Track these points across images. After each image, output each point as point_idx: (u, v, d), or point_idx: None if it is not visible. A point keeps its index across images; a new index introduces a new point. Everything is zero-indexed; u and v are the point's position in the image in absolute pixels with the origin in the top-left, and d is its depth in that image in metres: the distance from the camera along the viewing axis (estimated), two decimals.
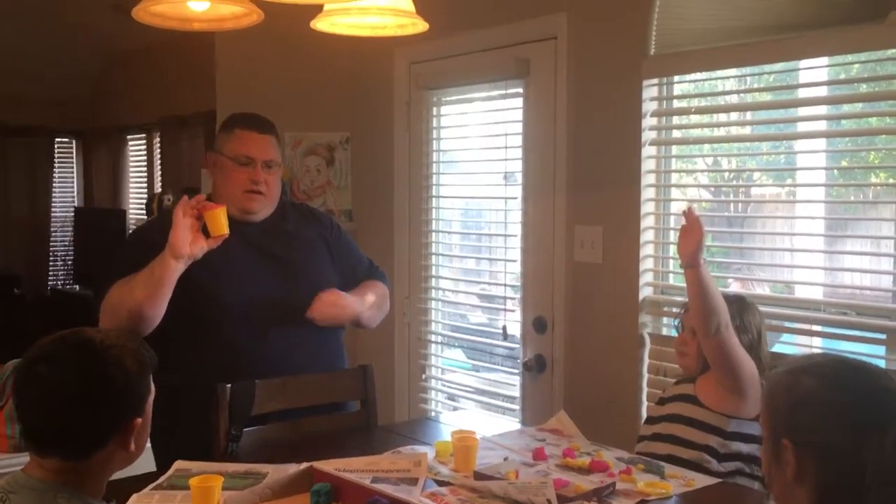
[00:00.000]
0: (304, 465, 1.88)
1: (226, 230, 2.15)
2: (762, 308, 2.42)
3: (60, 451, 1.33)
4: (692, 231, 2.04)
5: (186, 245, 2.12)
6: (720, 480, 1.93)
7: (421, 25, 1.98)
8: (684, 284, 2.62)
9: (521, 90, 3.12)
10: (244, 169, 2.32)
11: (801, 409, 1.23)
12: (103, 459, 1.35)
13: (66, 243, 6.76)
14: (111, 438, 1.34)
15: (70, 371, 1.32)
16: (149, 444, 2.27)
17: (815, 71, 2.50)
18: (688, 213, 2.08)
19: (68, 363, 1.32)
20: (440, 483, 1.90)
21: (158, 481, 1.87)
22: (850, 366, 1.28)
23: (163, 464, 2.09)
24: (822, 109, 2.49)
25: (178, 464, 1.95)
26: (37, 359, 1.34)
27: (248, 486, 1.82)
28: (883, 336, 2.24)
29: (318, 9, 1.93)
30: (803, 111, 2.52)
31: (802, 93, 2.52)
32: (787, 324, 2.49)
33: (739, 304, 2.21)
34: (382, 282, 2.57)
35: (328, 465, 1.88)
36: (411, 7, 1.95)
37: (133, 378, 1.35)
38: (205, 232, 2.15)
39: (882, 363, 2.23)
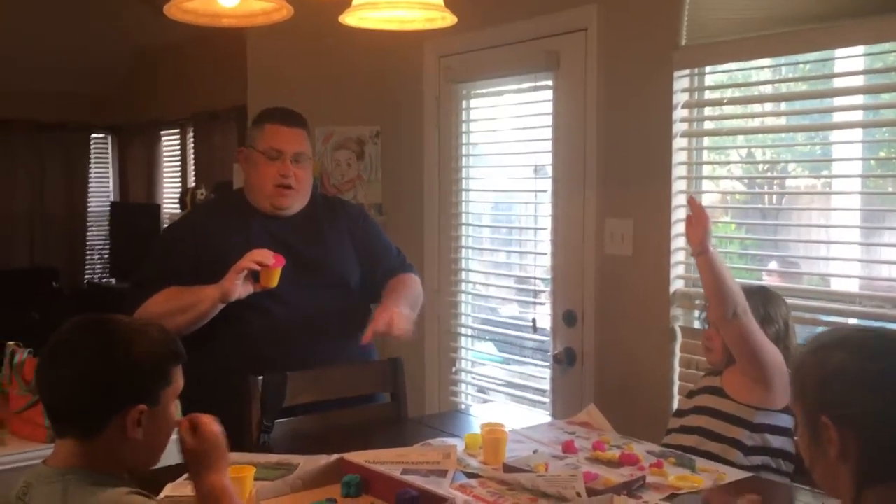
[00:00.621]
0: (334, 457, 1.90)
1: (275, 284, 2.22)
2: (797, 301, 2.41)
3: (71, 428, 1.37)
4: (698, 219, 2.05)
5: (238, 292, 2.18)
6: (752, 475, 1.91)
7: (450, 19, 1.98)
8: None
9: (550, 83, 3.10)
10: (274, 163, 2.34)
11: (836, 384, 1.19)
12: (110, 441, 1.36)
13: (103, 237, 6.86)
14: (112, 420, 1.35)
15: (79, 349, 1.35)
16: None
17: (851, 60, 2.46)
18: (691, 202, 2.11)
19: (79, 342, 1.36)
20: (469, 475, 1.90)
21: None
22: (877, 334, 1.26)
23: None
24: (859, 99, 2.45)
25: None
26: (55, 339, 1.38)
27: (280, 476, 1.84)
28: None
29: (347, 3, 1.93)
30: (839, 101, 2.48)
31: (838, 82, 2.48)
32: (822, 317, 2.46)
33: (763, 296, 2.21)
34: (412, 272, 2.57)
35: (358, 457, 1.90)
36: (440, 0, 1.95)
37: (141, 365, 1.36)
38: (254, 275, 2.21)
39: None
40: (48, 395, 1.39)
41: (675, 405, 2.68)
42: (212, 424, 1.46)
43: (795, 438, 2.04)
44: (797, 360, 1.30)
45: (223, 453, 1.46)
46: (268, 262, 2.18)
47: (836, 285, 2.52)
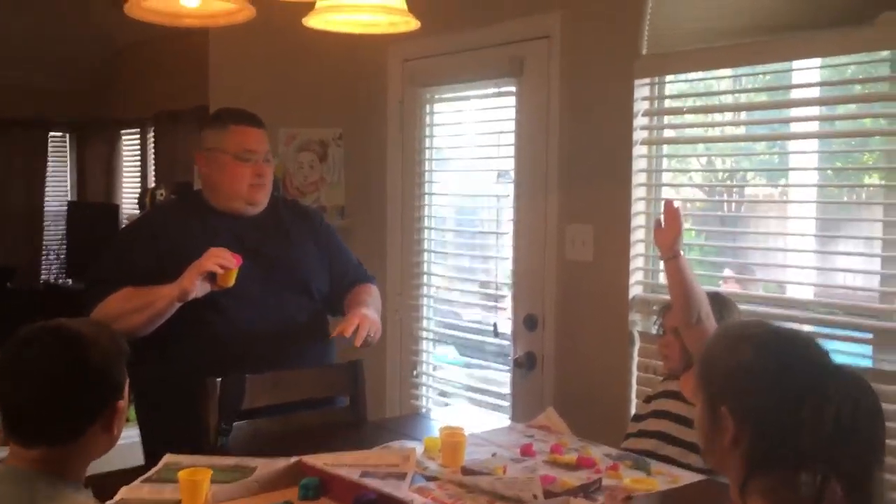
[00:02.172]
0: (293, 460, 1.89)
1: (232, 283, 2.21)
2: (753, 307, 2.45)
3: (43, 437, 1.34)
4: (672, 222, 2.07)
5: (196, 292, 2.17)
6: (705, 477, 1.94)
7: (413, 23, 1.99)
8: None
9: (514, 88, 3.12)
10: (247, 164, 2.34)
11: (739, 377, 1.25)
12: (85, 444, 1.36)
13: (60, 237, 6.74)
14: (94, 422, 1.35)
15: (50, 357, 1.33)
16: (137, 437, 2.29)
17: (808, 72, 2.51)
18: (668, 205, 2.12)
19: (48, 350, 1.34)
20: (428, 478, 1.90)
21: (148, 474, 1.87)
22: (784, 335, 1.31)
23: (151, 455, 2.10)
24: (816, 110, 2.50)
25: (168, 457, 1.95)
26: (16, 347, 1.35)
27: (237, 479, 1.82)
28: (870, 335, 2.26)
29: (310, 5, 1.93)
30: (796, 112, 2.53)
31: (796, 93, 2.53)
32: (777, 323, 2.50)
33: (718, 302, 2.24)
34: (373, 284, 2.60)
35: (317, 460, 1.89)
36: (403, 5, 1.96)
37: (112, 362, 1.37)
38: (211, 275, 2.19)
39: (869, 362, 2.25)
40: (14, 405, 1.35)
41: (634, 409, 2.71)
42: None
43: None
44: (708, 346, 1.35)
45: None
46: (229, 264, 2.18)
47: (792, 292, 2.57)
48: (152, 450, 2.17)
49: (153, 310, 2.19)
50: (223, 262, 2.17)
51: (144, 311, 2.19)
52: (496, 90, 3.19)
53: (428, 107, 3.50)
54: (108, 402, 1.36)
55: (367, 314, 2.31)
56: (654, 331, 2.61)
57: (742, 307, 2.42)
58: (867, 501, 1.21)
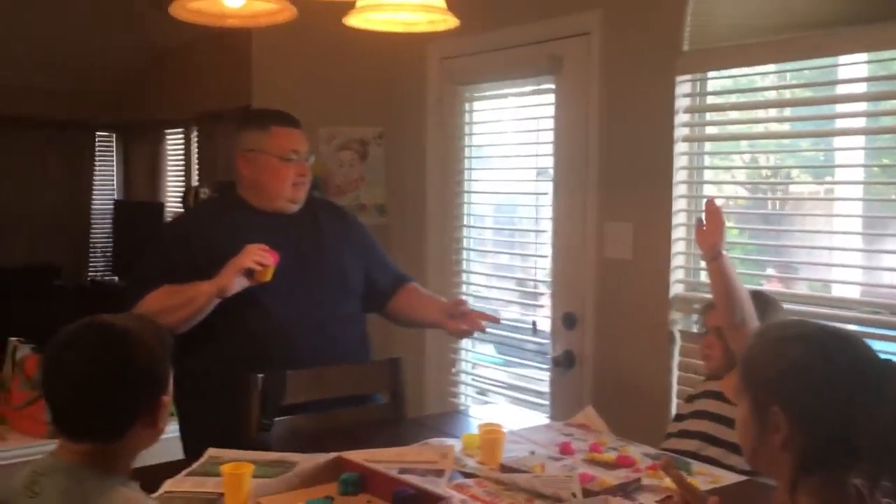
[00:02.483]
0: (332, 455, 1.90)
1: (269, 278, 2.24)
2: (798, 307, 2.41)
3: (91, 435, 1.36)
4: (714, 222, 2.04)
5: (235, 288, 2.20)
6: (747, 478, 1.91)
7: (452, 21, 1.99)
8: None
9: (553, 86, 3.11)
10: (291, 164, 2.38)
11: (795, 377, 1.22)
12: (132, 439, 1.37)
13: (106, 235, 6.88)
14: (139, 418, 1.36)
15: (95, 356, 1.34)
16: (178, 433, 2.33)
17: (854, 67, 2.47)
18: (709, 204, 2.08)
19: (92, 348, 1.34)
20: (466, 475, 1.91)
21: (192, 468, 1.91)
22: (832, 334, 1.28)
23: (191, 450, 2.13)
24: (862, 106, 2.46)
25: (211, 451, 1.99)
26: (61, 346, 1.36)
27: (278, 474, 1.85)
28: None
29: (351, 5, 1.95)
30: (842, 108, 2.49)
31: (841, 89, 2.48)
32: (822, 322, 2.46)
33: (762, 301, 2.21)
34: (415, 281, 2.66)
35: (356, 456, 1.90)
36: (443, 3, 1.96)
37: (156, 357, 1.38)
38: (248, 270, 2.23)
39: None
40: (62, 404, 1.36)
41: (674, 409, 2.68)
42: None
43: None
44: (753, 347, 1.31)
45: None
46: (266, 261, 2.21)
47: (837, 291, 2.53)
48: (193, 444, 2.20)
49: (192, 307, 2.22)
50: (261, 259, 2.20)
51: (184, 309, 2.22)
52: (535, 88, 3.19)
53: (467, 105, 3.50)
54: (152, 398, 1.38)
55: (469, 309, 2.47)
56: (695, 330, 2.59)
57: (786, 306, 2.39)
58: None
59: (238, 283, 2.21)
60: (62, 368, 1.35)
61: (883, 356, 1.26)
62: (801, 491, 1.23)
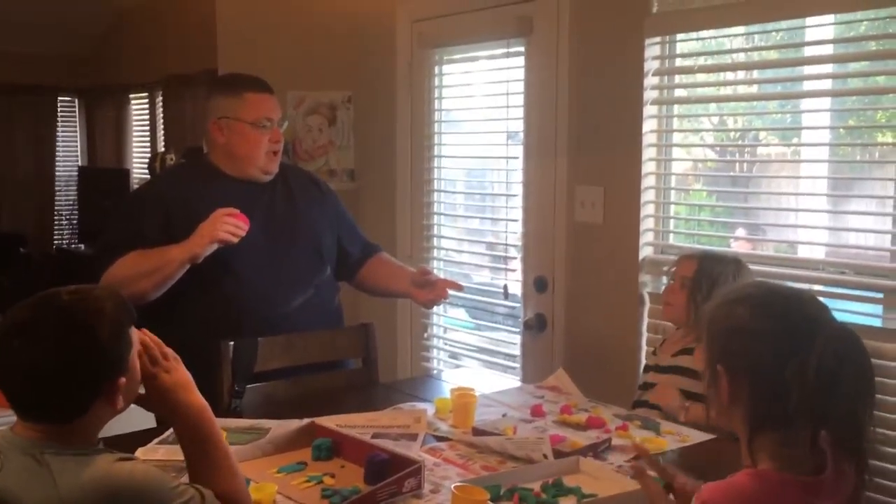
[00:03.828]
0: (305, 421, 1.91)
1: (237, 240, 2.21)
2: (764, 268, 2.45)
3: (45, 418, 1.33)
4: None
5: (206, 253, 2.18)
6: (715, 436, 1.95)
7: None
8: (684, 244, 2.66)
9: (522, 49, 3.09)
10: (265, 131, 2.35)
11: (733, 336, 1.29)
12: (90, 418, 1.34)
13: (71, 202, 6.77)
14: (95, 401, 1.33)
15: (44, 342, 1.30)
16: None
17: (821, 29, 2.47)
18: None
19: (42, 334, 1.30)
20: (439, 439, 1.93)
21: (163, 436, 1.90)
22: (781, 294, 1.34)
23: (164, 419, 2.12)
24: (829, 68, 2.47)
25: None
26: (13, 329, 1.31)
27: (251, 440, 1.85)
28: (880, 295, 2.25)
29: None
30: (809, 69, 2.50)
31: (808, 51, 2.49)
32: (788, 283, 2.49)
33: (736, 265, 2.28)
34: (385, 252, 2.68)
35: (329, 421, 1.91)
36: None
37: (110, 339, 1.33)
38: None
39: (878, 322, 2.24)
40: (12, 388, 1.33)
41: (643, 371, 2.72)
42: (165, 348, 1.45)
43: None
44: (709, 308, 1.38)
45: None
46: (240, 232, 2.19)
47: (803, 252, 2.56)
48: None
49: (162, 273, 2.20)
50: (234, 230, 2.18)
51: (153, 275, 2.20)
52: (505, 50, 3.16)
53: (437, 68, 3.47)
54: (108, 381, 1.34)
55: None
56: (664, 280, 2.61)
57: (753, 267, 2.42)
58: (857, 453, 1.23)
59: (209, 248, 2.19)
60: (13, 355, 1.31)
61: (846, 317, 1.29)
62: (759, 448, 1.27)
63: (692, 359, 2.23)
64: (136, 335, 1.41)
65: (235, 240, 2.19)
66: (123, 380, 1.35)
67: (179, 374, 1.45)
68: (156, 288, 2.20)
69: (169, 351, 1.45)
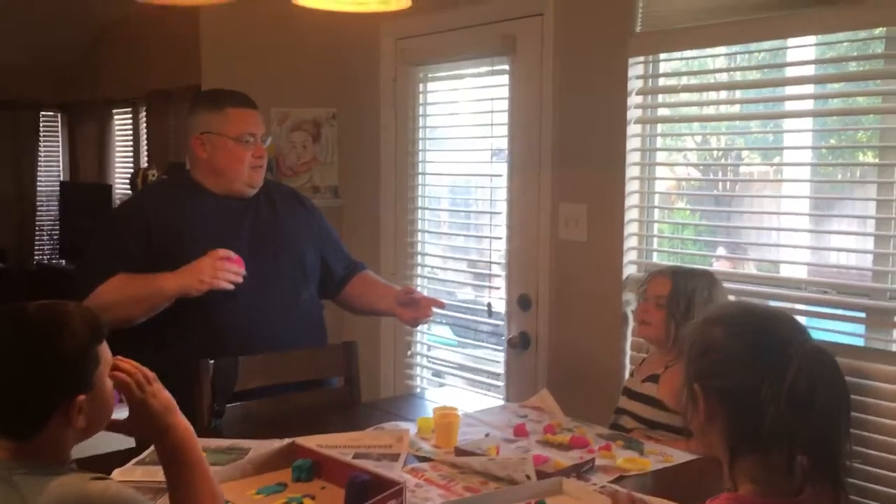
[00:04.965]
0: (286, 441, 1.89)
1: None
2: (746, 287, 2.46)
3: (3, 431, 1.31)
4: None
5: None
6: (698, 456, 1.94)
7: (404, 1, 1.97)
8: (667, 263, 2.66)
9: (507, 67, 3.10)
10: (248, 146, 2.34)
11: (709, 356, 1.28)
12: (52, 436, 1.31)
13: (52, 217, 6.71)
14: (51, 418, 1.30)
15: (5, 350, 1.28)
16: None
17: (802, 49, 2.49)
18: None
19: (1, 343, 1.29)
20: (421, 459, 1.91)
21: (141, 456, 1.88)
22: (756, 314, 1.32)
23: (142, 440, 2.09)
24: (810, 88, 2.49)
25: None
26: None
27: (231, 461, 1.83)
28: (862, 314, 2.26)
29: None
30: (791, 90, 2.52)
31: (790, 71, 2.51)
32: (771, 302, 2.50)
33: (710, 279, 2.30)
34: (370, 270, 2.67)
35: (310, 442, 1.89)
36: None
37: (70, 354, 1.30)
38: None
39: (861, 341, 2.25)
40: None
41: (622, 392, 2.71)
42: (146, 371, 1.42)
43: None
44: (688, 328, 1.37)
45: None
46: (238, 280, 2.19)
47: (785, 271, 2.57)
48: None
49: (150, 303, 2.20)
50: (234, 277, 2.18)
51: (141, 304, 2.19)
52: (490, 68, 3.17)
53: (421, 85, 3.47)
54: (65, 398, 1.30)
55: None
56: (634, 299, 2.60)
57: (735, 286, 2.43)
58: (833, 474, 1.22)
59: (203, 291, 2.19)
60: None
61: (828, 336, 1.29)
62: (739, 471, 1.26)
63: (657, 387, 2.23)
64: (107, 354, 1.38)
65: (232, 287, 2.17)
66: (82, 397, 1.31)
67: (164, 397, 1.42)
68: (143, 315, 2.20)
69: (149, 373, 1.43)
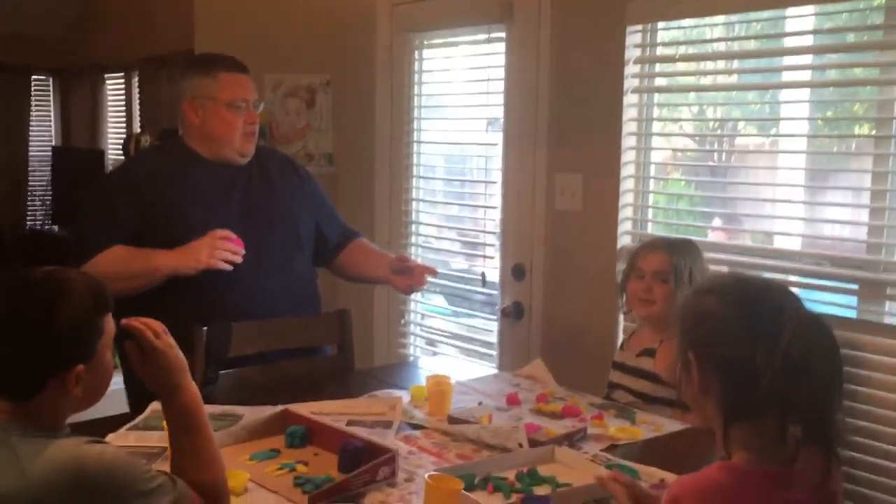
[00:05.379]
0: (279, 408, 1.90)
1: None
2: (741, 258, 2.46)
3: (2, 392, 1.31)
4: None
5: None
6: (689, 426, 1.95)
7: None
8: (662, 234, 2.66)
9: (503, 35, 3.07)
10: (240, 112, 2.32)
11: (703, 325, 1.29)
12: (49, 402, 1.32)
13: (45, 183, 6.67)
14: (48, 383, 1.30)
15: (3, 314, 1.29)
16: (122, 385, 2.28)
17: (801, 20, 2.47)
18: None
19: (2, 306, 1.30)
20: (414, 427, 1.92)
21: (134, 422, 1.89)
22: (750, 283, 1.34)
23: (136, 406, 2.10)
24: (808, 59, 2.47)
25: (154, 405, 1.95)
26: None
27: (224, 427, 1.83)
28: (855, 286, 2.26)
29: None
30: (789, 60, 2.50)
31: (788, 42, 2.49)
32: (765, 274, 2.50)
33: (696, 247, 2.30)
34: (364, 238, 2.67)
35: (303, 409, 1.90)
36: None
37: (70, 321, 1.31)
38: None
39: (854, 313, 2.26)
40: None
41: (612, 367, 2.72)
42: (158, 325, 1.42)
43: None
44: (683, 299, 1.40)
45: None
46: (236, 259, 2.18)
47: (780, 243, 2.57)
48: (137, 398, 2.17)
49: (145, 279, 2.20)
50: (232, 257, 2.18)
51: (136, 280, 2.19)
52: (486, 36, 3.14)
53: (417, 53, 3.44)
54: (63, 366, 1.31)
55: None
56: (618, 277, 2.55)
57: (729, 257, 2.42)
58: (827, 442, 1.23)
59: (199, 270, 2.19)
60: None
61: (822, 307, 1.29)
62: (732, 439, 1.27)
63: (654, 361, 2.23)
64: (110, 327, 1.38)
65: (230, 267, 2.17)
66: (81, 367, 1.32)
67: (178, 354, 1.43)
68: (136, 290, 2.19)
69: (161, 326, 1.43)
